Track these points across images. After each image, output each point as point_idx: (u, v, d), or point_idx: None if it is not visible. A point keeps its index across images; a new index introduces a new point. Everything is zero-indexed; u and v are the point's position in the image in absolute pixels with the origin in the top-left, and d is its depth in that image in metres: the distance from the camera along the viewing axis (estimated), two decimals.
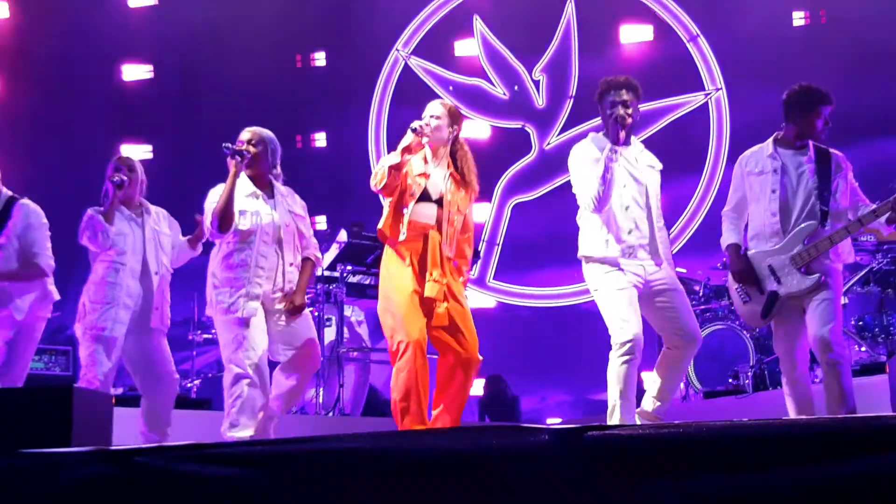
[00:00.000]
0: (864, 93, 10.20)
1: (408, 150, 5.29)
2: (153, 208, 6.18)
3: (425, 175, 5.38)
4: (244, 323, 5.45)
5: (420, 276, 5.29)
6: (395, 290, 5.28)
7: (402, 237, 5.31)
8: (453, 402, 5.34)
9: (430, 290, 5.23)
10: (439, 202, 5.40)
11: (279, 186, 5.81)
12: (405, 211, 5.33)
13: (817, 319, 5.22)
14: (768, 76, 10.24)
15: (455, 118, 5.55)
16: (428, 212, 5.37)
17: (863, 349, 7.58)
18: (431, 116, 5.46)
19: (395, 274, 5.32)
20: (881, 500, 2.69)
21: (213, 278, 5.58)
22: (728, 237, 5.65)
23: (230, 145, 5.56)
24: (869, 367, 7.05)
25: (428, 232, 5.34)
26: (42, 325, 6.00)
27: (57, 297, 6.05)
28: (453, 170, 5.51)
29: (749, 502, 2.77)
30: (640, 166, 5.42)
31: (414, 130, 5.30)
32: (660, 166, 5.53)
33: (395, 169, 5.25)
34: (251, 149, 5.62)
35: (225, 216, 5.45)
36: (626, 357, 5.10)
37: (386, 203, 5.43)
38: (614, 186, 5.25)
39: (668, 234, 5.59)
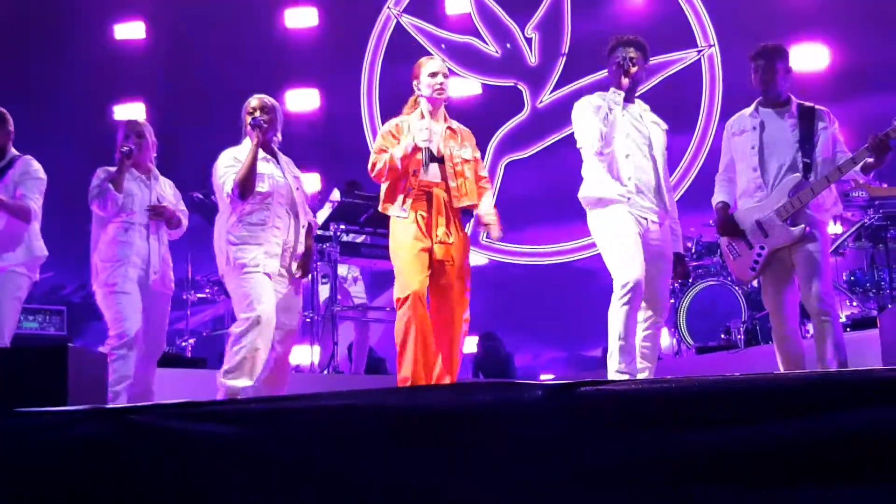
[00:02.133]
0: (863, 48, 10.17)
1: (407, 157, 5.35)
2: (162, 178, 6.27)
3: (429, 139, 5.41)
4: (262, 279, 5.51)
5: (425, 231, 5.36)
6: (400, 246, 5.37)
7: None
8: (445, 362, 5.37)
9: (437, 251, 5.34)
10: (442, 160, 5.45)
11: (279, 153, 5.89)
12: (412, 179, 5.40)
13: (806, 273, 5.25)
14: (762, 32, 10.17)
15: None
16: (432, 170, 5.43)
17: (854, 304, 7.61)
18: (444, 76, 5.49)
19: (400, 231, 5.40)
20: (872, 453, 2.71)
21: (230, 236, 5.60)
22: (717, 196, 5.69)
23: (259, 117, 5.64)
24: (860, 322, 7.08)
25: (432, 190, 5.41)
26: (27, 282, 5.96)
27: (45, 253, 6.02)
28: (449, 123, 5.58)
29: (741, 456, 2.80)
30: (644, 122, 5.44)
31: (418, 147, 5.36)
32: (665, 126, 5.56)
33: (393, 170, 5.35)
34: (265, 117, 5.70)
35: (247, 183, 5.55)
36: (627, 299, 5.09)
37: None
38: (617, 134, 5.28)
39: None
